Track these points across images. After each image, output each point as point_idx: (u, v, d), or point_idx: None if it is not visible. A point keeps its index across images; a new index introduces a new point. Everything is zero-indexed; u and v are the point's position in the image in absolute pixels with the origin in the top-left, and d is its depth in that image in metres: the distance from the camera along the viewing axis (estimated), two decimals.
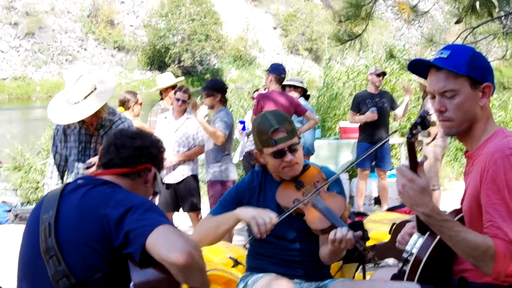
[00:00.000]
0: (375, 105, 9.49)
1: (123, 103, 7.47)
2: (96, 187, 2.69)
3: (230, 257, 5.10)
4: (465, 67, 2.71)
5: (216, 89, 7.44)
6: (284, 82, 8.92)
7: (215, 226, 3.57)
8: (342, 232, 3.26)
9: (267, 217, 3.34)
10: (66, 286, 2.48)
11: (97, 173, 2.88)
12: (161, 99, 9.05)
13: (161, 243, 2.39)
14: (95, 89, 4.97)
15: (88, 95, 4.91)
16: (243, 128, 9.14)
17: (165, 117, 7.77)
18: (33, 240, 2.63)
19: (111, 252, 2.51)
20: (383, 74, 9.84)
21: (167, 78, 9.26)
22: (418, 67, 2.91)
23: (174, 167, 7.57)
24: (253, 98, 9.96)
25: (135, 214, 2.51)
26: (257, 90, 10.13)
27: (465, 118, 2.76)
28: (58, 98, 5.11)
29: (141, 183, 2.91)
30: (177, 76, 9.91)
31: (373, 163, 9.89)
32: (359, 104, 9.61)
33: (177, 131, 7.57)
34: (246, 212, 3.44)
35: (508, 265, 2.55)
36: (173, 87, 8.71)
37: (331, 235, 3.28)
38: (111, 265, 2.52)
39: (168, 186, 7.66)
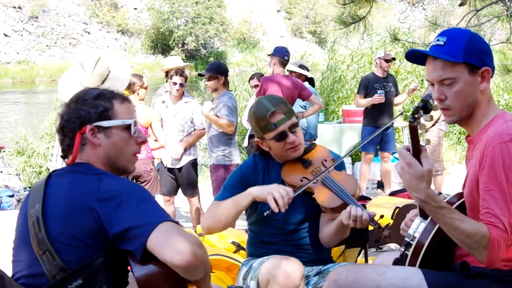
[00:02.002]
0: (382, 88, 9.44)
1: (129, 86, 7.41)
2: (81, 175, 2.60)
3: (232, 242, 5.11)
4: (462, 54, 2.70)
5: (219, 71, 7.43)
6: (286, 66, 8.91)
7: (226, 209, 3.54)
8: (356, 211, 3.29)
9: (283, 191, 3.35)
10: (62, 277, 2.45)
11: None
12: (167, 81, 9.07)
13: (163, 245, 2.36)
14: (109, 72, 5.00)
15: (105, 79, 4.94)
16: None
17: (163, 101, 7.75)
18: (24, 235, 2.58)
19: (106, 245, 2.48)
20: (392, 59, 9.79)
21: (175, 60, 9.33)
22: (416, 56, 2.90)
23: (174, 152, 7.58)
24: (250, 79, 9.95)
25: (129, 208, 2.44)
26: (256, 74, 10.09)
27: (465, 104, 2.76)
28: (70, 78, 5.10)
29: (92, 148, 2.68)
30: (183, 61, 9.89)
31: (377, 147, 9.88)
32: (366, 87, 9.54)
33: (176, 115, 7.56)
34: (261, 190, 3.44)
35: (502, 253, 2.56)
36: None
37: (346, 214, 3.30)
38: (108, 253, 2.49)
39: (169, 170, 7.70)
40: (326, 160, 3.68)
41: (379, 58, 9.65)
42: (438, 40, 2.78)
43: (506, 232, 2.54)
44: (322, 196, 3.52)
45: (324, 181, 3.56)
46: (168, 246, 2.35)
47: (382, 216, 3.59)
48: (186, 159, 7.63)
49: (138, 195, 2.52)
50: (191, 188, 7.75)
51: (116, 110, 2.72)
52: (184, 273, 2.38)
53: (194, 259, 2.34)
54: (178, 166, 7.63)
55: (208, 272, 2.56)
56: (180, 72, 7.64)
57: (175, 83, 7.56)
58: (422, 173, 2.54)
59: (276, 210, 3.31)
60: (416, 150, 2.57)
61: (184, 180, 7.69)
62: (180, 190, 7.93)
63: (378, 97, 9.28)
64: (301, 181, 3.55)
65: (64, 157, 2.74)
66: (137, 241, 2.40)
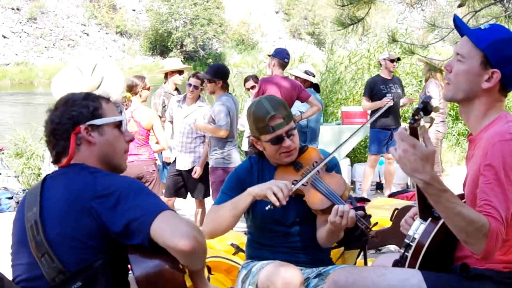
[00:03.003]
0: (389, 90, 9.44)
1: (131, 88, 7.39)
2: (76, 174, 2.60)
3: (231, 244, 5.10)
4: (486, 44, 2.72)
5: (217, 75, 7.40)
6: (291, 71, 8.95)
7: (227, 212, 3.54)
8: (343, 208, 3.29)
9: (281, 184, 3.36)
10: (61, 280, 2.44)
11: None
12: (165, 82, 9.14)
13: (165, 231, 2.37)
14: (103, 78, 5.05)
15: (99, 85, 5.00)
16: None
17: (178, 101, 7.78)
18: (22, 239, 2.57)
19: (107, 244, 2.48)
20: (397, 59, 9.79)
21: (175, 62, 9.41)
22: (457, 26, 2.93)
23: (185, 154, 7.65)
24: (245, 86, 9.99)
25: (127, 202, 2.45)
26: (252, 75, 10.13)
27: (461, 87, 2.78)
28: (65, 81, 5.15)
29: (88, 147, 2.68)
30: (182, 62, 9.94)
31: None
32: (372, 89, 9.55)
33: (186, 118, 7.58)
34: (259, 187, 3.45)
35: (497, 246, 2.55)
36: (179, 72, 8.79)
37: (333, 211, 3.31)
38: (108, 253, 2.49)
39: (178, 172, 7.75)
40: (317, 162, 3.68)
41: (384, 59, 9.66)
42: (483, 26, 2.82)
43: (503, 225, 2.53)
44: (312, 198, 3.54)
45: (313, 183, 3.57)
46: (170, 231, 2.36)
47: (376, 224, 3.60)
48: (196, 161, 7.69)
49: (134, 188, 2.52)
50: (198, 191, 7.78)
51: (105, 109, 2.74)
52: (186, 258, 2.39)
53: (197, 244, 2.35)
54: (186, 169, 7.66)
55: (203, 264, 2.57)
56: (198, 75, 7.69)
57: (189, 85, 7.60)
58: (428, 153, 2.50)
59: (277, 204, 3.32)
60: (414, 133, 2.55)
61: (192, 181, 7.72)
62: (181, 193, 7.99)
63: (386, 100, 9.23)
64: (292, 184, 3.55)
65: (56, 161, 2.72)
66: (141, 233, 2.40)
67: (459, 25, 2.88)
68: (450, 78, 2.81)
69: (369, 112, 10.34)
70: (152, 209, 2.43)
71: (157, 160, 7.86)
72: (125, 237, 2.45)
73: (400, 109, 9.99)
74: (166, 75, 9.12)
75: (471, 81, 2.75)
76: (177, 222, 2.40)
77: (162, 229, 2.38)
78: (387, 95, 9.34)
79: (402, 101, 9.81)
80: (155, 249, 2.41)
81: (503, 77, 2.73)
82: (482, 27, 2.80)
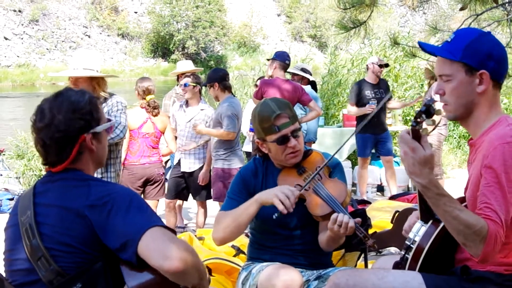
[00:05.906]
0: (374, 96, 9.41)
1: (153, 91, 7.49)
2: (69, 181, 2.58)
3: (232, 246, 5.10)
4: (461, 53, 2.73)
5: (211, 79, 7.38)
6: (288, 69, 8.92)
7: (236, 219, 3.51)
8: (342, 217, 3.28)
9: (288, 191, 3.35)
10: (60, 282, 2.44)
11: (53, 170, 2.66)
12: (177, 85, 9.22)
13: (151, 251, 2.36)
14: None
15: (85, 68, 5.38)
16: (251, 129, 9.13)
17: (180, 105, 7.78)
18: (17, 244, 2.55)
19: (102, 249, 2.48)
20: (385, 65, 9.75)
21: (187, 64, 9.59)
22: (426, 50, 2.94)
23: (189, 156, 7.67)
24: (256, 85, 9.96)
25: (119, 215, 2.44)
26: (262, 77, 10.12)
27: (459, 103, 2.78)
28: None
29: (89, 155, 2.67)
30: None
31: (373, 151, 9.90)
32: (357, 94, 9.51)
33: (190, 122, 7.57)
34: (266, 194, 3.43)
35: (496, 249, 2.54)
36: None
37: (331, 220, 3.29)
38: (105, 257, 2.49)
39: (181, 174, 7.77)
40: (319, 167, 3.67)
41: (372, 63, 9.60)
42: (449, 37, 2.82)
43: (502, 228, 2.53)
44: (313, 204, 3.54)
45: (315, 189, 3.57)
46: (156, 251, 2.35)
47: (375, 232, 3.59)
48: (200, 164, 7.70)
49: (127, 200, 2.50)
50: (200, 193, 7.78)
51: (100, 112, 2.73)
52: (174, 278, 2.38)
53: (182, 264, 2.34)
54: (190, 171, 7.68)
55: (203, 277, 2.55)
56: (189, 74, 7.69)
57: (181, 85, 7.62)
58: (426, 158, 2.52)
59: (285, 212, 3.31)
60: (417, 135, 2.56)
61: (195, 183, 7.72)
62: (183, 195, 8.01)
63: (369, 108, 9.23)
64: (295, 187, 3.55)
65: (50, 164, 2.65)
66: (129, 250, 2.40)
67: (427, 49, 2.90)
68: (446, 99, 2.81)
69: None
70: (141, 226, 2.42)
71: (163, 162, 7.94)
72: (115, 250, 2.45)
73: (386, 113, 9.98)
74: (178, 78, 9.20)
75: (466, 92, 2.76)
76: (164, 241, 2.39)
77: (148, 250, 2.37)
78: (370, 101, 9.31)
79: (392, 104, 9.82)
80: (144, 264, 2.40)
81: (491, 74, 2.74)
82: (448, 39, 2.80)
